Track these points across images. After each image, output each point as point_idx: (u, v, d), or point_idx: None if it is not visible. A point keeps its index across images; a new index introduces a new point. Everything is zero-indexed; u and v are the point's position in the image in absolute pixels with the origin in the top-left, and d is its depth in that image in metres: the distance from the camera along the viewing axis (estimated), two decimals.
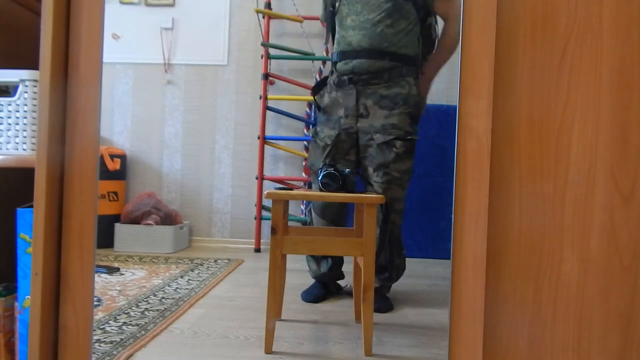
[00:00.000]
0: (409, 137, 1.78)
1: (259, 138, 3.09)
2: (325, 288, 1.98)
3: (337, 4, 1.87)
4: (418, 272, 2.55)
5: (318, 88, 2.00)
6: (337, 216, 1.91)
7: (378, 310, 1.73)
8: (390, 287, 1.94)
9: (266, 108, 3.09)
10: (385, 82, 1.79)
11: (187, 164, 3.30)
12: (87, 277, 0.91)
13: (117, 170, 3.06)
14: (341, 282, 2.05)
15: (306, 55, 3.12)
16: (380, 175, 1.76)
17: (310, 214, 1.98)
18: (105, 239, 2.90)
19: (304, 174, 3.15)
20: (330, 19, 1.92)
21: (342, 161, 1.84)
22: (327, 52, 2.85)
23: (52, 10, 0.87)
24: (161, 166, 3.30)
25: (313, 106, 3.01)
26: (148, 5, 3.27)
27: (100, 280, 2.12)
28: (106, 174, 2.99)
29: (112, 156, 3.05)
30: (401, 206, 1.82)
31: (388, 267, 1.65)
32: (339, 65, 1.85)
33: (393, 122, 1.78)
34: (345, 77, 1.83)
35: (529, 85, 0.91)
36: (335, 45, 1.90)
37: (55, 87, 0.89)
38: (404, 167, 1.77)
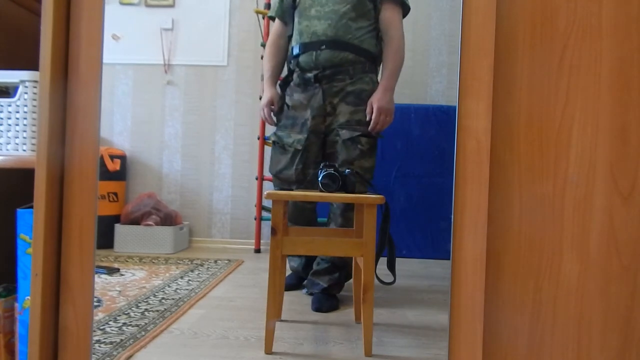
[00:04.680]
0: (374, 135, 1.79)
1: (258, 138, 3.09)
2: (299, 280, 2.08)
3: None
4: (418, 272, 2.55)
5: (284, 85, 1.93)
6: (298, 217, 1.98)
7: (318, 309, 1.76)
8: (341, 287, 1.91)
9: None
10: (350, 78, 1.79)
11: (187, 165, 3.30)
12: (87, 278, 0.91)
13: (117, 171, 3.06)
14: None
15: None
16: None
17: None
18: (105, 240, 2.90)
19: None
20: (290, 12, 1.89)
21: (313, 165, 1.82)
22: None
23: (52, 11, 0.87)
24: (161, 167, 3.30)
25: None
26: (148, 5, 3.27)
27: (100, 280, 2.12)
28: (106, 174, 2.99)
29: (112, 157, 3.05)
30: None
31: (389, 268, 1.65)
32: (302, 58, 1.81)
33: (359, 119, 1.79)
34: (311, 75, 1.80)
35: (529, 85, 0.91)
36: (296, 37, 1.85)
37: (55, 87, 0.89)
38: (367, 165, 1.78)
